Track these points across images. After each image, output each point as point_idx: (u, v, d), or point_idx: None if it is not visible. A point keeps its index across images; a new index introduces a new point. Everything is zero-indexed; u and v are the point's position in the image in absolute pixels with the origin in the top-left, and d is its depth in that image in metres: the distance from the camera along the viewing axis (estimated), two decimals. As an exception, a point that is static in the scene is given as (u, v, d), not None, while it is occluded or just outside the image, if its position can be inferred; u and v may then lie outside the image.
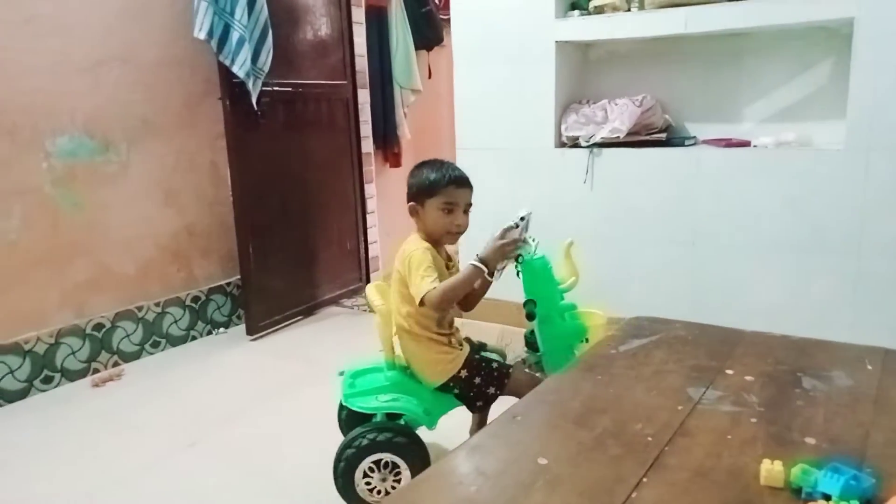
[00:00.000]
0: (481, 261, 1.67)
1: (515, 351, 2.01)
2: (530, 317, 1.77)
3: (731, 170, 2.45)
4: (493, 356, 1.93)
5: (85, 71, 2.86)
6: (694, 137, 2.65)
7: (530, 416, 1.24)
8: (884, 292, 2.24)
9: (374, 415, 1.87)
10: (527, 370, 1.85)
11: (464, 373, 1.81)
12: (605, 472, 1.00)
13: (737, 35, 2.53)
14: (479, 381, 1.81)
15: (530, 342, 1.84)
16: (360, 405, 1.83)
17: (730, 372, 1.33)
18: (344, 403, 1.88)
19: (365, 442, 1.77)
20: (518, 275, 1.79)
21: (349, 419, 2.00)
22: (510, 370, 1.83)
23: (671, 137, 2.67)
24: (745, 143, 2.50)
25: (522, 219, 1.70)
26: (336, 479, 1.79)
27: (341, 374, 1.94)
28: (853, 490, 0.87)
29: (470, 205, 1.83)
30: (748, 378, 1.30)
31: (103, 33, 2.91)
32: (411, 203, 1.83)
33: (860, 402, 1.20)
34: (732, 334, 1.56)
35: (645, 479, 0.97)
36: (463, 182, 1.81)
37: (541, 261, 1.76)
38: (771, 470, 0.94)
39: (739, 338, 1.54)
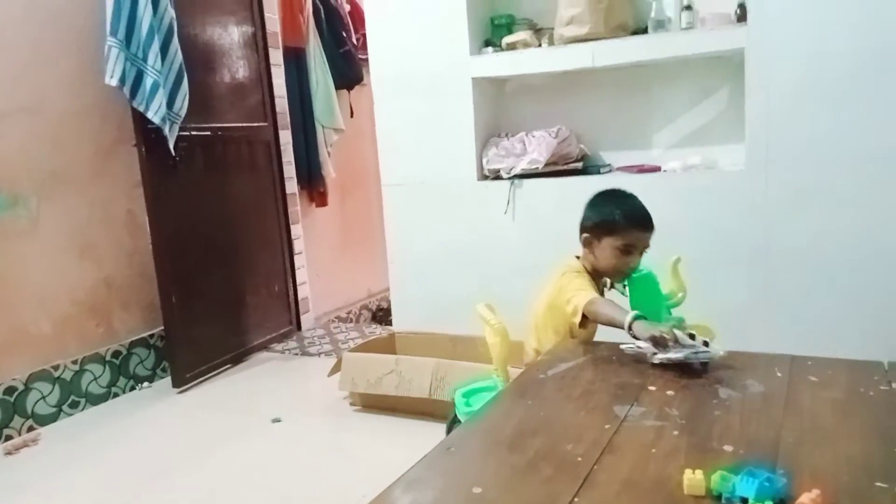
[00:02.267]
0: (633, 324, 1.52)
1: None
2: None
3: (645, 194, 2.55)
4: None
5: (-12, 123, 2.75)
6: (609, 165, 2.77)
7: (464, 446, 1.25)
8: (791, 299, 2.38)
9: None
10: None
11: None
12: (538, 495, 1.02)
13: (642, 67, 2.68)
14: None
15: None
16: None
17: (652, 388, 1.38)
18: (461, 420, 1.85)
19: None
20: (624, 291, 1.80)
21: None
22: None
23: (587, 166, 2.78)
24: (656, 169, 2.63)
25: (706, 343, 1.49)
26: None
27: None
28: (767, 491, 0.91)
29: (648, 247, 1.74)
30: (669, 392, 1.35)
31: (9, 84, 2.80)
32: (586, 235, 1.78)
33: (772, 407, 1.26)
34: (654, 351, 1.62)
35: (577, 499, 0.99)
36: (649, 225, 1.73)
37: (648, 275, 1.77)
38: (693, 479, 0.98)
39: (660, 354, 1.59)
